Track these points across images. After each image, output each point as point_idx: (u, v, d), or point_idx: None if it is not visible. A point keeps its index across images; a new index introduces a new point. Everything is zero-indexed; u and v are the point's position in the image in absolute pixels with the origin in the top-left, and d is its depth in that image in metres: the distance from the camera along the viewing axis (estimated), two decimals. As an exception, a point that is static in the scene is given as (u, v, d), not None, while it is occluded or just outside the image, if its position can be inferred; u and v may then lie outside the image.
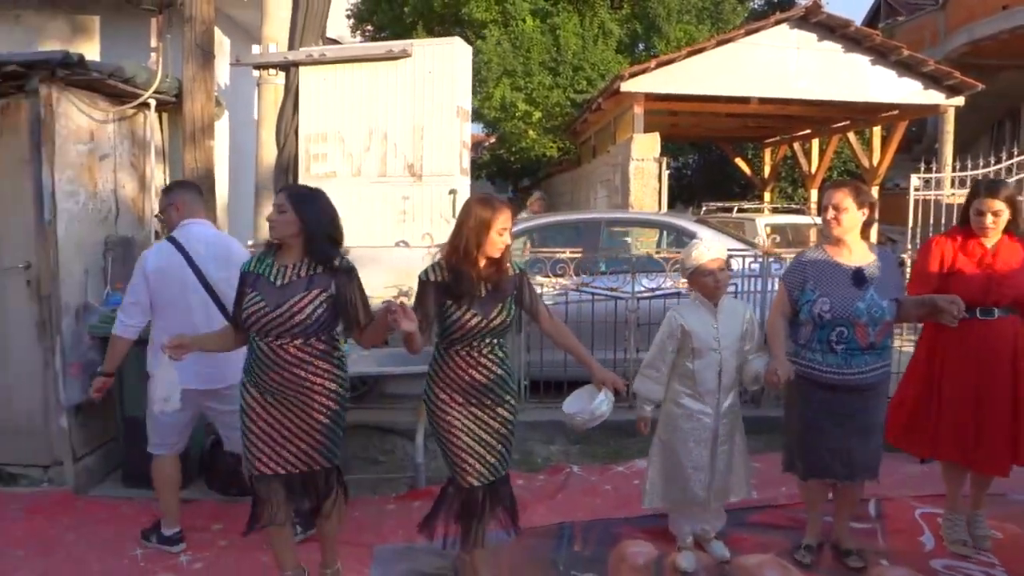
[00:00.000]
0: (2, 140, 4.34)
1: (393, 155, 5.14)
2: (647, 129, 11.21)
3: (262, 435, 2.99)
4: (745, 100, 11.89)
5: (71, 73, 4.38)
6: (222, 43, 5.89)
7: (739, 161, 17.75)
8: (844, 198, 3.30)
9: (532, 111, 14.91)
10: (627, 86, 11.03)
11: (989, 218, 3.43)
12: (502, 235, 2.88)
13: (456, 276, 2.89)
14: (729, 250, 4.06)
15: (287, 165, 5.36)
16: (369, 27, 17.20)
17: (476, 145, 17.36)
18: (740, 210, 11.49)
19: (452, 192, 5.01)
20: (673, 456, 3.42)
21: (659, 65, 11.10)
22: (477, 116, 14.61)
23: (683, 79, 11.19)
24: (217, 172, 5.57)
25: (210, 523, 4.01)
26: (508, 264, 3.01)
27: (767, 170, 17.36)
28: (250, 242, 5.74)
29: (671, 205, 11.27)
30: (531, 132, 15.50)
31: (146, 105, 5.12)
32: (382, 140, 5.15)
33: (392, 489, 4.47)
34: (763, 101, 11.88)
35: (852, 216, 3.31)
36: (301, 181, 5.25)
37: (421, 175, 5.10)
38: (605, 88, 12.25)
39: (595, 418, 2.96)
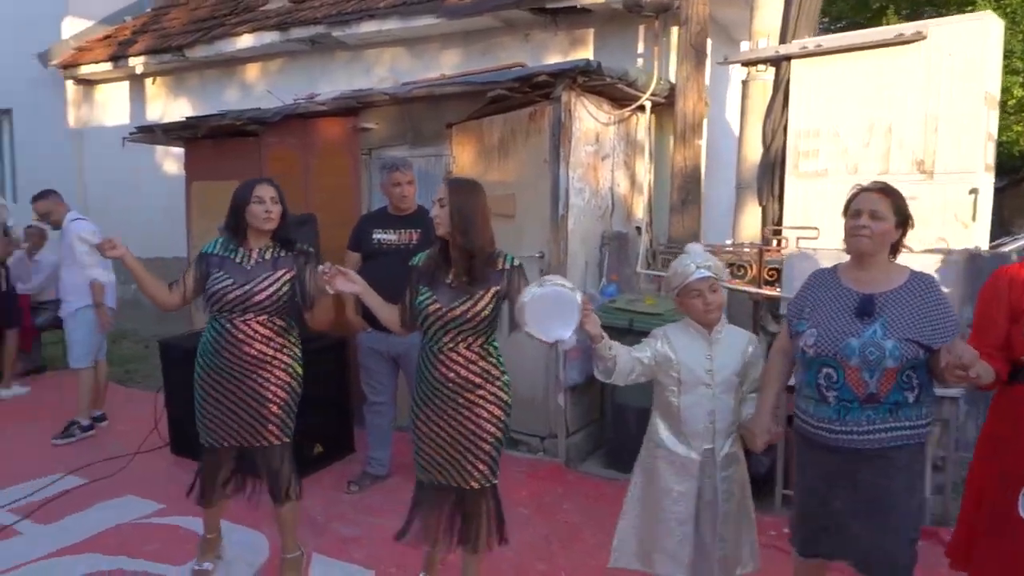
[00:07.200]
0: (529, 142, 4.89)
1: (898, 150, 4.64)
2: None
3: (214, 410, 3.20)
4: None
5: (588, 80, 4.77)
6: (708, 43, 5.92)
7: None
8: None
9: (1028, 98, 12.70)
10: None
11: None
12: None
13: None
14: None
15: (773, 162, 5.19)
16: (825, 18, 16.23)
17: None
18: None
19: (973, 191, 4.36)
20: (652, 507, 2.81)
21: None
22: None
23: None
24: (700, 170, 5.64)
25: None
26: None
27: None
28: (728, 241, 5.71)
29: None
30: (1016, 125, 13.18)
31: (642, 107, 5.38)
32: (885, 134, 4.68)
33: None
34: None
35: None
36: (788, 179, 5.04)
37: (932, 172, 4.52)
38: None
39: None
